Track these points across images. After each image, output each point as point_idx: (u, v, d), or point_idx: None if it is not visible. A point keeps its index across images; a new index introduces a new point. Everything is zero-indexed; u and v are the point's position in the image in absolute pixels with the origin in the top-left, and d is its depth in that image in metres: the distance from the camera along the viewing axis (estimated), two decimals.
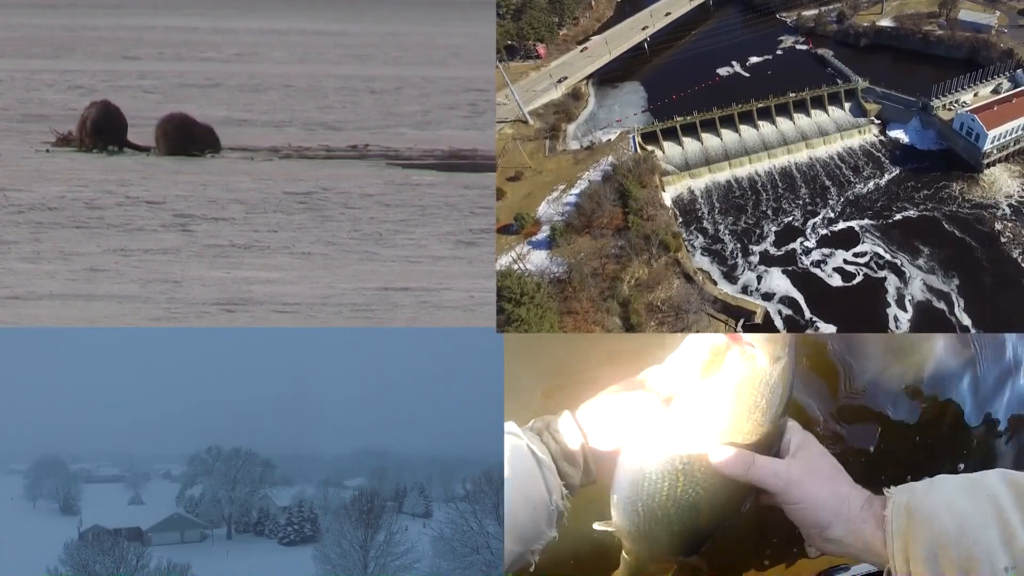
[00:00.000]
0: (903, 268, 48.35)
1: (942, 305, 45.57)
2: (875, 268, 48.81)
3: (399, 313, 23.16)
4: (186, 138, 40.09)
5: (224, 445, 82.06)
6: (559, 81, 71.59)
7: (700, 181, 59.12)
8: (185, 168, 37.63)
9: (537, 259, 48.82)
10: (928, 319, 44.19)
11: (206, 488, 77.41)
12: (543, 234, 51.36)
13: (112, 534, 53.41)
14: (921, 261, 48.84)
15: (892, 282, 47.41)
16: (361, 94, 56.72)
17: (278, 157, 40.20)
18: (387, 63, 71.36)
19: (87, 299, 23.97)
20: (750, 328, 43.71)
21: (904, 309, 45.43)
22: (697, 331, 41.77)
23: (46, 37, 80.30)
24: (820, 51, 72.90)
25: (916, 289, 46.81)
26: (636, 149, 59.02)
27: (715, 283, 48.66)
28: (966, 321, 44.01)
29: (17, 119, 46.69)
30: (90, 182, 34.88)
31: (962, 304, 45.31)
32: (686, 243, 51.38)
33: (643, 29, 77.64)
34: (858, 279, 48.29)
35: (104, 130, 40.49)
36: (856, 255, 50.03)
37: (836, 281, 48.39)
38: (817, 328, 43.62)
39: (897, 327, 43.76)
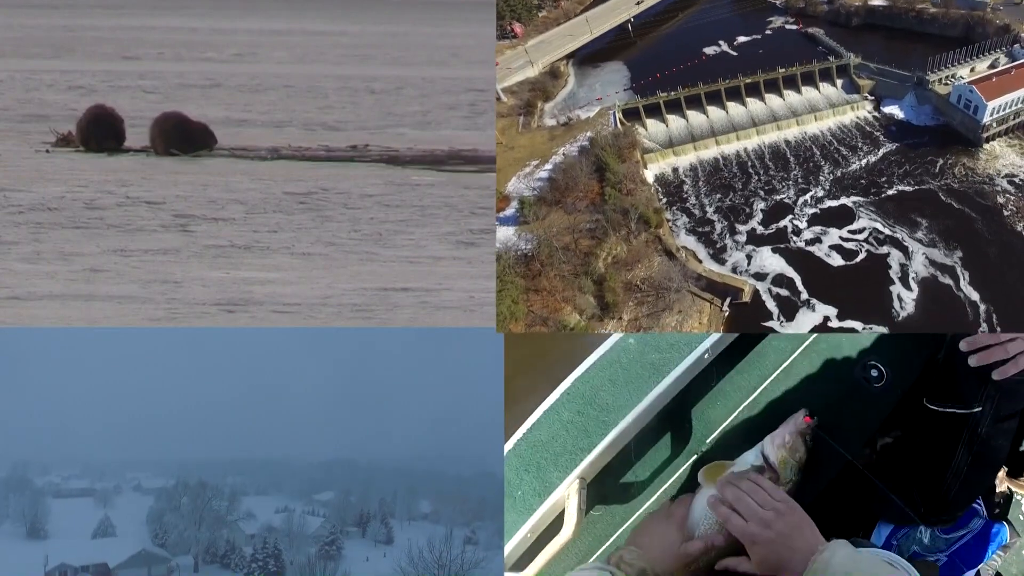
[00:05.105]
0: (904, 243, 46.93)
1: (948, 280, 43.88)
2: (875, 244, 47.34)
3: (399, 313, 23.33)
4: (183, 137, 40.26)
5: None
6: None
7: (684, 159, 57.16)
8: (185, 168, 37.78)
9: (503, 235, 46.84)
10: (934, 296, 42.62)
11: (173, 523, 76.99)
12: (511, 209, 49.52)
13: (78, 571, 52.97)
14: (920, 234, 47.34)
15: (896, 257, 45.85)
16: (361, 94, 56.71)
17: (278, 157, 40.35)
18: (387, 63, 71.18)
19: (87, 299, 24.19)
20: (737, 307, 42.69)
21: (908, 287, 43.90)
22: (679, 311, 40.89)
23: (46, 37, 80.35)
24: (811, 30, 72.34)
25: (919, 264, 45.38)
26: (617, 125, 57.27)
27: (700, 262, 46.35)
28: (974, 296, 42.50)
29: (17, 119, 46.82)
30: (90, 182, 35.07)
31: (967, 277, 43.70)
32: (669, 223, 49.11)
33: (637, 3, 76.68)
34: (861, 256, 46.39)
35: (97, 134, 40.69)
36: (852, 232, 48.45)
37: (836, 260, 46.57)
38: (814, 309, 42.86)
39: (902, 307, 42.98)
